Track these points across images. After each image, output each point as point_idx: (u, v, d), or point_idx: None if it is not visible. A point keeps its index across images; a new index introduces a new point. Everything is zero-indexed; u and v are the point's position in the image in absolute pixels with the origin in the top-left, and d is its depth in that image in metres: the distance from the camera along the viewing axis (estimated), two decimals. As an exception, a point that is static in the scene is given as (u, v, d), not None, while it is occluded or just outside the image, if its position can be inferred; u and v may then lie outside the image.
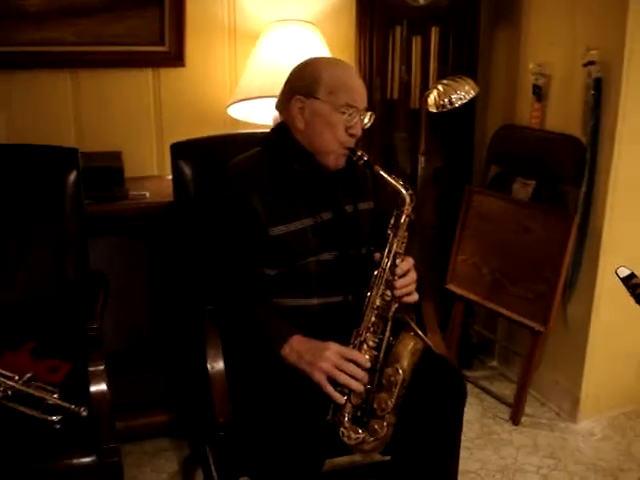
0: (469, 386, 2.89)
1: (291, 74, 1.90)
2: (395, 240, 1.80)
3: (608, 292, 2.53)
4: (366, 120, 1.89)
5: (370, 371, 1.71)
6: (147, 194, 2.40)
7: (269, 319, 1.79)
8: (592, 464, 2.41)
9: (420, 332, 1.73)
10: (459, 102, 2.36)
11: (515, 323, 2.67)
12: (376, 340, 1.75)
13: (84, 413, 1.66)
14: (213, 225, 1.89)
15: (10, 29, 2.51)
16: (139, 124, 2.76)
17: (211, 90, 2.81)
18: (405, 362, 1.72)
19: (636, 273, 1.39)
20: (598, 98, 2.38)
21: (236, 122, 2.77)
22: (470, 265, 2.83)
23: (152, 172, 2.77)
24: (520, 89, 2.80)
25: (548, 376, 2.77)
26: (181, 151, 2.19)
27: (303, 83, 1.84)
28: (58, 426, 1.63)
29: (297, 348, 1.71)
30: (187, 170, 2.17)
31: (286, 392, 1.71)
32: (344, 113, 1.81)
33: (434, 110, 2.43)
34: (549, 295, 2.52)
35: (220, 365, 1.80)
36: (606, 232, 2.47)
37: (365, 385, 1.69)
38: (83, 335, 1.79)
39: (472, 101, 2.80)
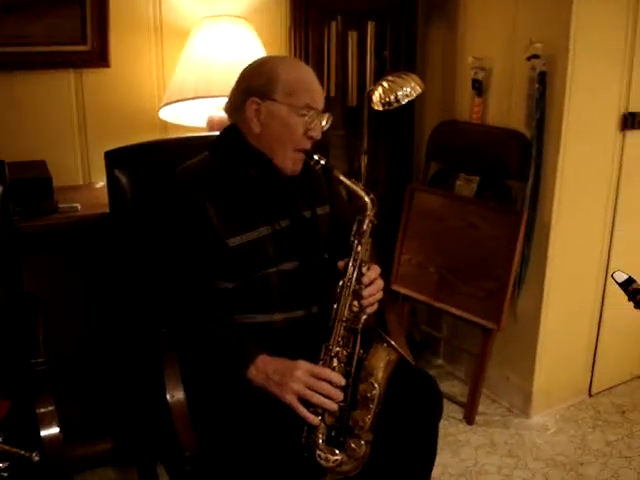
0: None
1: (244, 74, 1.77)
2: (360, 247, 1.71)
3: (556, 287, 2.54)
4: (324, 122, 1.79)
5: (343, 387, 1.62)
6: (78, 206, 2.21)
7: (230, 339, 1.66)
8: (551, 459, 2.40)
9: (393, 342, 1.66)
10: (405, 99, 2.28)
11: (466, 322, 2.63)
12: (346, 354, 1.65)
13: (36, 458, 1.48)
14: (162, 237, 1.75)
15: None
16: (62, 130, 2.55)
17: (138, 91, 2.64)
18: (380, 375, 1.63)
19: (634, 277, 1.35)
20: (543, 92, 2.37)
21: (166, 125, 2.61)
22: (415, 265, 2.78)
23: (78, 181, 2.57)
24: (459, 84, 2.77)
25: (498, 373, 2.75)
26: (117, 159, 2.01)
27: (259, 83, 1.72)
28: (5, 474, 1.45)
29: (264, 369, 1.59)
30: (124, 179, 1.99)
31: (255, 417, 1.60)
32: (304, 115, 1.70)
33: (379, 108, 2.34)
34: (500, 292, 2.49)
35: (180, 394, 1.64)
36: (554, 227, 2.47)
37: (339, 403, 1.60)
38: (28, 371, 1.60)
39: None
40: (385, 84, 2.32)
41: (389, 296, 2.02)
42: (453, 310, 2.64)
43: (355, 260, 1.70)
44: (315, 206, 1.86)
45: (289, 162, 1.74)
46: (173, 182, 1.77)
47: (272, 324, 1.76)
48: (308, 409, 1.57)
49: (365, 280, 1.69)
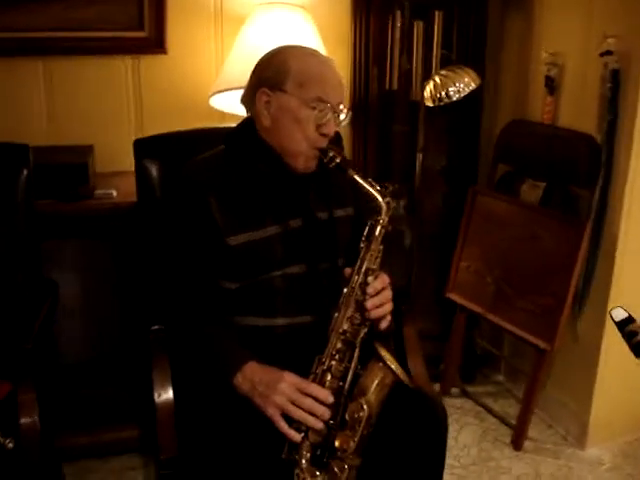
0: (469, 404, 2.68)
1: (257, 64, 1.68)
2: (367, 254, 1.58)
3: (624, 306, 2.28)
4: (342, 117, 1.67)
5: (334, 404, 1.50)
6: (114, 193, 2.20)
7: (222, 342, 1.58)
8: (598, 499, 2.18)
9: (390, 362, 1.52)
10: (457, 96, 2.12)
11: (519, 339, 2.43)
12: (341, 369, 1.53)
13: (10, 445, 1.48)
14: (167, 232, 1.70)
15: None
16: (117, 116, 2.57)
17: (196, 79, 2.61)
18: (372, 396, 1.50)
19: (634, 316, 1.16)
20: (615, 92, 2.12)
21: (223, 114, 2.56)
22: (473, 273, 2.59)
23: (129, 167, 2.57)
24: (532, 81, 2.55)
25: (556, 396, 2.53)
26: (146, 148, 1.98)
27: (270, 74, 1.63)
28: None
29: (250, 377, 1.50)
30: (153, 169, 1.97)
31: (239, 426, 1.51)
32: (314, 108, 1.58)
33: (430, 104, 2.19)
34: (556, 310, 2.27)
35: (168, 394, 1.60)
36: (622, 241, 2.22)
37: (327, 421, 1.48)
38: (15, 356, 1.60)
39: (479, 93, 2.58)
40: (437, 79, 2.18)
41: (409, 309, 1.86)
42: (507, 325, 2.44)
43: (360, 267, 1.58)
44: (334, 207, 1.74)
45: (301, 159, 1.63)
46: (180, 175, 1.72)
47: (274, 328, 1.66)
48: (292, 425, 1.47)
49: (370, 290, 1.56)
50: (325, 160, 1.61)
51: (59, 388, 2.29)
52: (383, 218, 1.59)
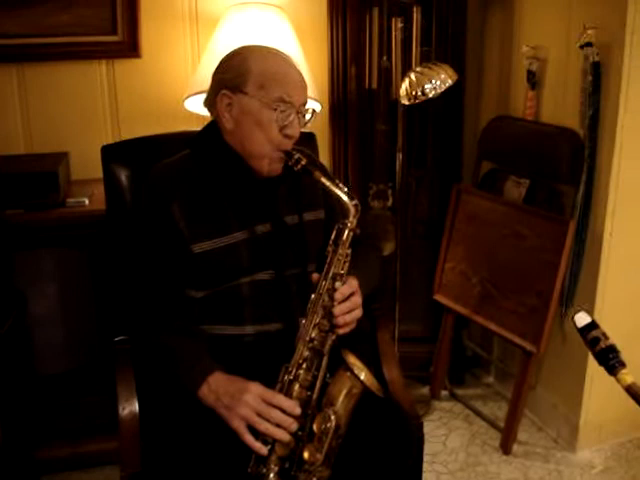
0: (458, 407, 2.63)
1: (218, 65, 1.63)
2: (335, 259, 1.53)
3: (610, 306, 2.23)
4: (307, 117, 1.62)
5: (301, 415, 1.45)
6: (86, 201, 2.16)
7: (186, 352, 1.52)
8: (588, 504, 2.12)
9: (359, 370, 1.47)
10: (432, 93, 2.07)
11: (506, 341, 2.37)
12: (309, 378, 1.48)
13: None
14: (131, 241, 1.65)
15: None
16: (93, 121, 2.54)
17: (171, 82, 2.57)
18: (340, 406, 1.45)
19: (597, 321, 1.11)
20: (597, 85, 2.06)
21: (200, 117, 2.52)
22: (458, 273, 2.54)
23: (106, 174, 2.54)
24: (513, 76, 2.49)
25: (546, 398, 2.47)
26: (114, 154, 1.93)
27: (230, 75, 1.58)
28: None
29: (215, 389, 1.45)
30: (121, 175, 1.91)
31: (205, 439, 1.46)
32: (276, 109, 1.54)
33: (406, 102, 2.14)
34: (542, 311, 2.22)
35: (133, 407, 1.55)
36: (607, 238, 2.16)
37: (294, 432, 1.44)
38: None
39: (461, 90, 2.53)
40: (413, 76, 2.13)
41: (382, 312, 1.80)
42: (493, 327, 2.38)
43: (327, 273, 1.53)
44: (303, 211, 1.69)
45: (265, 162, 1.58)
46: (144, 180, 1.67)
47: (242, 337, 1.61)
48: (258, 437, 1.43)
49: (337, 296, 1.51)
50: (290, 163, 1.57)
51: (38, 399, 2.25)
52: (351, 221, 1.54)
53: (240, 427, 1.41)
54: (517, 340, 2.29)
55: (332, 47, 2.49)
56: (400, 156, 2.40)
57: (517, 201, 2.37)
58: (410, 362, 2.74)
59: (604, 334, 1.10)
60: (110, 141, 2.51)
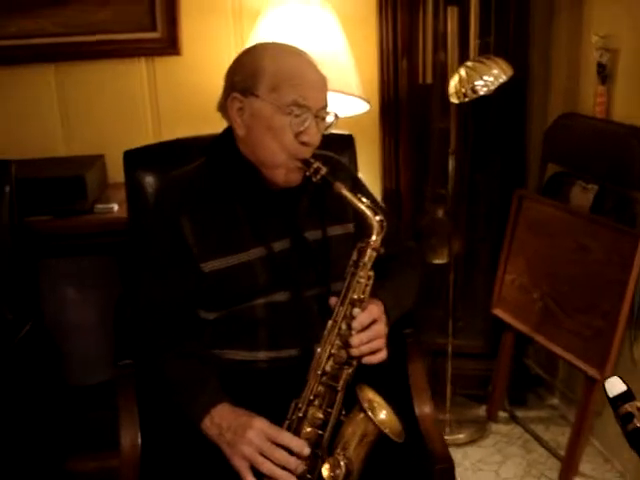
0: (517, 431, 2.42)
1: (231, 65, 1.49)
2: (354, 281, 1.37)
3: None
4: (330, 119, 1.46)
5: (311, 457, 1.30)
6: (115, 207, 2.07)
7: (190, 379, 1.39)
8: None
9: (376, 411, 1.31)
10: (484, 90, 1.86)
11: (568, 364, 2.14)
12: (320, 416, 1.33)
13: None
14: (139, 255, 1.54)
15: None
16: (133, 122, 2.46)
17: (213, 81, 2.36)
18: (353, 452, 1.29)
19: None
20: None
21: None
22: (518, 287, 2.31)
23: (145, 176, 2.45)
24: (583, 69, 2.24)
25: (614, 425, 2.21)
26: (137, 159, 1.83)
27: (241, 77, 1.43)
28: None
29: (218, 422, 1.33)
30: (144, 181, 1.82)
31: (207, 474, 1.34)
32: (290, 114, 1.38)
33: (455, 100, 1.94)
34: (608, 333, 1.97)
35: (134, 437, 1.44)
36: (685, 254, 1.89)
37: (304, 474, 1.29)
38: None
39: (524, 84, 2.30)
40: (463, 71, 1.92)
41: (415, 338, 1.62)
42: (554, 348, 2.15)
43: (345, 297, 1.37)
44: (328, 224, 1.53)
45: (280, 172, 1.43)
46: (156, 191, 1.56)
47: (256, 363, 1.47)
48: (262, 478, 1.29)
49: (355, 325, 1.35)
50: (308, 173, 1.41)
51: (67, 410, 2.20)
52: (374, 240, 1.38)
53: (242, 467, 1.28)
54: (580, 364, 2.05)
55: (381, 39, 2.32)
56: (453, 158, 2.19)
57: (583, 209, 2.13)
58: (466, 380, 2.56)
59: (641, 409, 0.89)
60: (151, 142, 2.43)
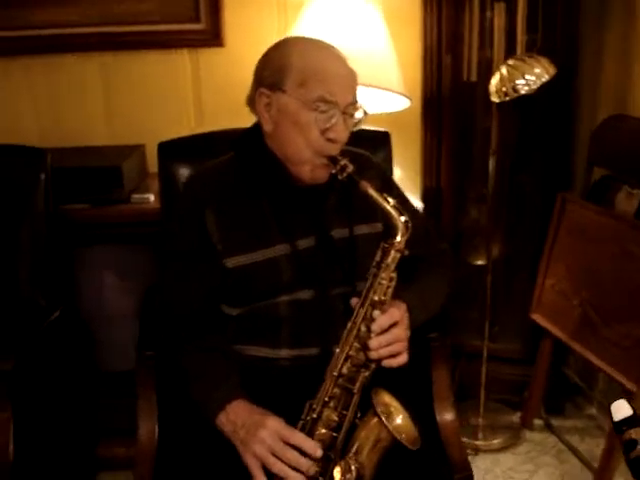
0: (551, 440, 2.35)
1: (259, 60, 1.48)
2: (376, 283, 1.35)
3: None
4: (359, 115, 1.43)
5: (324, 458, 1.28)
6: (151, 197, 2.08)
7: (209, 373, 1.39)
8: None
9: (394, 414, 1.28)
10: (525, 89, 1.80)
11: (605, 375, 2.07)
12: (335, 418, 1.31)
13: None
14: (165, 247, 1.54)
15: (27, 11, 2.30)
16: (176, 112, 2.46)
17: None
18: (365, 457, 1.27)
19: None
20: None
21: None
22: (558, 292, 2.24)
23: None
24: (636, 68, 2.14)
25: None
26: (171, 151, 1.84)
27: (269, 72, 1.42)
28: None
29: (233, 419, 1.33)
30: (178, 174, 1.82)
31: (220, 471, 1.33)
32: (316, 110, 1.36)
33: (496, 100, 1.88)
34: (648, 346, 1.90)
35: (151, 427, 1.44)
36: None
37: (315, 476, 1.27)
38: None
39: (571, 82, 2.23)
40: (504, 70, 1.86)
41: (440, 343, 1.58)
42: (590, 357, 2.08)
43: (365, 299, 1.34)
44: (355, 223, 1.51)
45: (306, 168, 1.41)
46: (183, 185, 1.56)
47: (277, 360, 1.46)
48: (273, 478, 1.27)
49: (375, 327, 1.33)
50: (334, 170, 1.38)
51: (99, 396, 2.23)
52: (399, 241, 1.35)
53: (253, 466, 1.27)
54: (618, 377, 1.98)
55: (425, 35, 2.27)
56: (494, 158, 2.13)
57: (628, 215, 2.05)
58: (501, 384, 2.51)
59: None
60: (193, 133, 2.45)
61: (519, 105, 2.24)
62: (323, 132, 1.37)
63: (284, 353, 1.45)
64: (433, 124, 2.34)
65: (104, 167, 2.03)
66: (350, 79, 1.40)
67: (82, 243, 2.08)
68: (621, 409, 0.88)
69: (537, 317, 2.33)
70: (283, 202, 1.45)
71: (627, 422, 0.87)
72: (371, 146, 1.85)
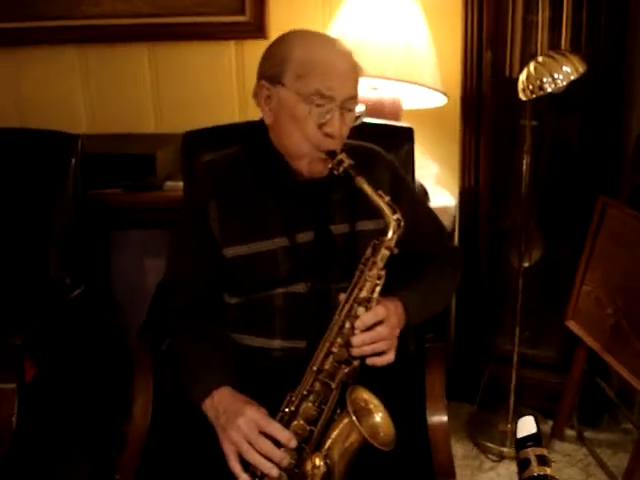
0: (580, 452, 2.27)
1: (264, 52, 1.49)
2: (362, 279, 1.34)
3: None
4: (359, 109, 1.42)
5: (298, 450, 1.29)
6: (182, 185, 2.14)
7: (200, 358, 1.42)
8: None
9: (374, 412, 1.28)
10: (551, 87, 1.73)
11: (634, 389, 1.98)
12: (313, 412, 1.31)
13: None
14: (172, 236, 1.59)
15: (79, 1, 2.39)
16: (221, 102, 2.51)
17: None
18: (335, 453, 1.27)
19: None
20: None
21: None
22: (593, 300, 2.16)
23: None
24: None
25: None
26: (194, 140, 1.87)
27: (270, 65, 1.43)
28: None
29: (217, 405, 1.35)
30: (197, 163, 1.84)
31: (203, 456, 1.36)
32: (312, 103, 1.36)
33: (524, 97, 1.82)
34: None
35: (146, 406, 1.49)
36: None
37: (289, 467, 1.28)
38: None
39: (619, 80, 2.13)
40: (532, 67, 1.80)
41: (434, 345, 1.54)
42: (619, 368, 1.99)
43: (350, 295, 1.34)
44: (357, 219, 1.50)
45: (304, 162, 1.42)
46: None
47: (271, 351, 1.49)
48: (249, 466, 1.29)
49: (357, 324, 1.32)
50: (331, 165, 1.39)
51: (126, 374, 2.31)
52: (389, 238, 1.34)
53: (229, 451, 1.29)
54: (645, 391, 1.90)
55: (466, 30, 2.20)
56: (528, 156, 2.06)
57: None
58: (535, 391, 2.43)
59: (542, 458, 0.81)
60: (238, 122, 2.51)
61: (564, 103, 2.17)
62: (320, 126, 1.37)
63: (277, 344, 1.48)
64: (472, 121, 2.28)
65: (139, 155, 2.10)
66: (350, 74, 1.39)
67: (117, 226, 2.15)
68: (526, 426, 0.84)
69: (572, 324, 2.24)
70: (286, 196, 1.47)
71: (529, 439, 0.84)
72: (393, 142, 1.84)
